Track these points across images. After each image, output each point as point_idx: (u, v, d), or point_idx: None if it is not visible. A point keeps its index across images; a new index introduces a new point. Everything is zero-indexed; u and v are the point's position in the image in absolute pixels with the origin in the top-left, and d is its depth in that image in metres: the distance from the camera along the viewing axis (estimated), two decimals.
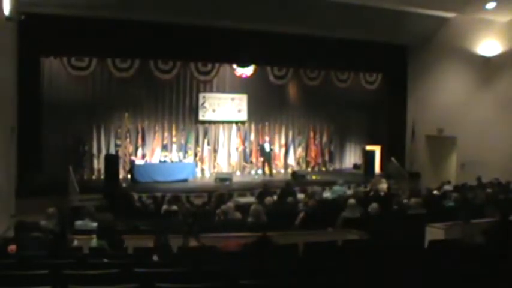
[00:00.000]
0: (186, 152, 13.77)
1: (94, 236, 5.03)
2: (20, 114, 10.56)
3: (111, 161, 11.73)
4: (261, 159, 14.25)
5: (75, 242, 5.28)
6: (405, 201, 8.24)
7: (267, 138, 14.32)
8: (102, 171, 12.37)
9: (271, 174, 14.00)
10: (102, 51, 11.90)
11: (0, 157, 8.21)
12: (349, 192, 10.17)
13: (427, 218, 6.87)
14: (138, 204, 9.44)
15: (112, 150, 12.95)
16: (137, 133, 13.36)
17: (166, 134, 13.68)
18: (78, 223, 6.41)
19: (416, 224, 6.59)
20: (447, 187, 10.31)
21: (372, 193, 9.72)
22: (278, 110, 15.41)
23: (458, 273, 3.76)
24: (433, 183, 11.80)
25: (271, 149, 14.11)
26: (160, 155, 13.29)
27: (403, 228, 6.53)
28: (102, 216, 6.67)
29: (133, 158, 13.07)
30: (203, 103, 14.22)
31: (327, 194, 10.35)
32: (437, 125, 13.98)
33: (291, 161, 15.35)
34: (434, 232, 6.29)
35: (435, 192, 9.85)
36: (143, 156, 13.21)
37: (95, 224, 5.94)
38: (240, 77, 14.51)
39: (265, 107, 15.18)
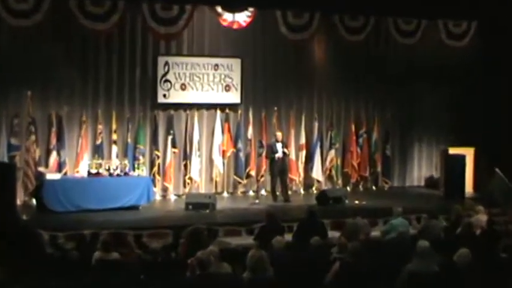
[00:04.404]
0: (135, 158, 13.82)
1: None
2: None
3: (2, 175, 11.68)
4: (270, 170, 14.25)
5: None
6: None
7: (279, 135, 14.33)
8: None
9: (287, 198, 14.00)
10: None
11: None
12: (418, 227, 10.23)
13: None
14: (50, 250, 9.43)
15: (3, 156, 13.00)
16: (49, 126, 13.41)
17: (100, 128, 13.74)
18: None
19: None
20: None
21: (459, 230, 9.72)
22: (294, 86, 15.44)
23: None
24: None
25: (285, 153, 14.10)
26: (90, 163, 13.26)
27: None
28: None
29: (41, 169, 13.10)
30: (165, 74, 14.28)
31: (379, 231, 10.43)
32: None
33: (317, 173, 15.42)
34: None
35: None
36: (59, 167, 13.25)
37: None
38: (228, 29, 14.53)
39: (273, 81, 15.18)
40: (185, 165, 14.41)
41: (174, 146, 14.30)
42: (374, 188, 16.08)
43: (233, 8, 14.30)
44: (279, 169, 13.97)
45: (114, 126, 13.88)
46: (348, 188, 15.56)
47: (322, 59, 15.65)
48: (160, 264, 8.35)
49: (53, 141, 13.32)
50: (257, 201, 14.08)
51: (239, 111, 14.97)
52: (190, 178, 14.40)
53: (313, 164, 15.47)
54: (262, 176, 15.05)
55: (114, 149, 13.77)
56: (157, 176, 14.07)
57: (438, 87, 16.11)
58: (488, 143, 15.31)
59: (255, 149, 14.97)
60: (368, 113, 16.12)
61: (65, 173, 13.26)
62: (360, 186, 15.95)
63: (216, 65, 14.71)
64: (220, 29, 14.61)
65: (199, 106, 14.69)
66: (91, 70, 13.91)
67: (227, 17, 14.37)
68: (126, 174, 13.22)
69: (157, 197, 13.86)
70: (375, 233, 10.36)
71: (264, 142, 14.93)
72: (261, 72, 15.20)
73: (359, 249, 7.64)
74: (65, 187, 12.63)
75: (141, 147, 14.01)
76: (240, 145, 14.82)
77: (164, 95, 14.34)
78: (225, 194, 14.71)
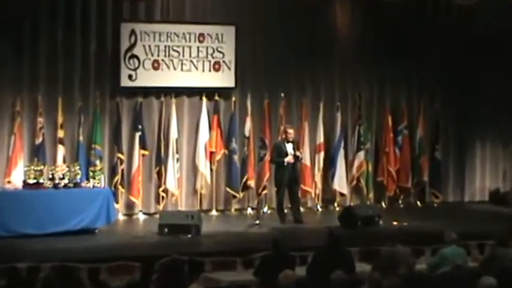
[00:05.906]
0: (90, 163, 13.85)
1: None
2: None
3: None
4: (275, 179, 14.23)
5: None
6: None
7: (290, 132, 14.25)
8: None
9: (298, 217, 13.98)
10: None
11: None
12: (481, 259, 10.20)
13: None
14: None
15: None
16: None
17: (41, 121, 13.77)
18: None
19: None
20: None
21: None
22: (308, 63, 15.49)
23: None
24: None
25: (297, 157, 14.08)
26: (26, 171, 13.18)
27: None
28: None
29: None
30: (131, 47, 14.37)
31: (426, 264, 10.33)
32: None
33: (340, 184, 15.55)
34: None
35: None
36: None
37: None
38: None
39: (279, 57, 15.24)
40: (159, 173, 14.48)
41: (143, 146, 14.34)
42: (419, 204, 16.12)
43: None
44: (289, 178, 13.93)
45: (60, 119, 13.90)
46: (383, 204, 15.66)
47: (346, 26, 15.73)
48: None
49: None
50: (258, 221, 13.92)
51: (233, 99, 15.03)
52: (165, 190, 14.44)
53: (334, 171, 15.55)
54: (264, 188, 15.04)
55: (61, 150, 13.81)
56: (120, 188, 14.13)
57: (507, 67, 16.10)
58: None
59: (254, 150, 15.01)
60: (410, 101, 16.19)
61: None
62: (400, 202, 15.98)
63: (202, 35, 14.75)
64: None
65: (178, 91, 14.73)
66: (28, 43, 13.90)
67: None
68: (77, 185, 13.13)
69: (121, 217, 13.91)
70: (421, 265, 10.22)
71: (267, 141, 14.94)
72: (262, 45, 15.21)
73: (398, 287, 7.55)
74: None
75: (97, 148, 14.03)
76: (234, 145, 14.90)
77: (130, 77, 14.38)
78: (214, 213, 14.74)
